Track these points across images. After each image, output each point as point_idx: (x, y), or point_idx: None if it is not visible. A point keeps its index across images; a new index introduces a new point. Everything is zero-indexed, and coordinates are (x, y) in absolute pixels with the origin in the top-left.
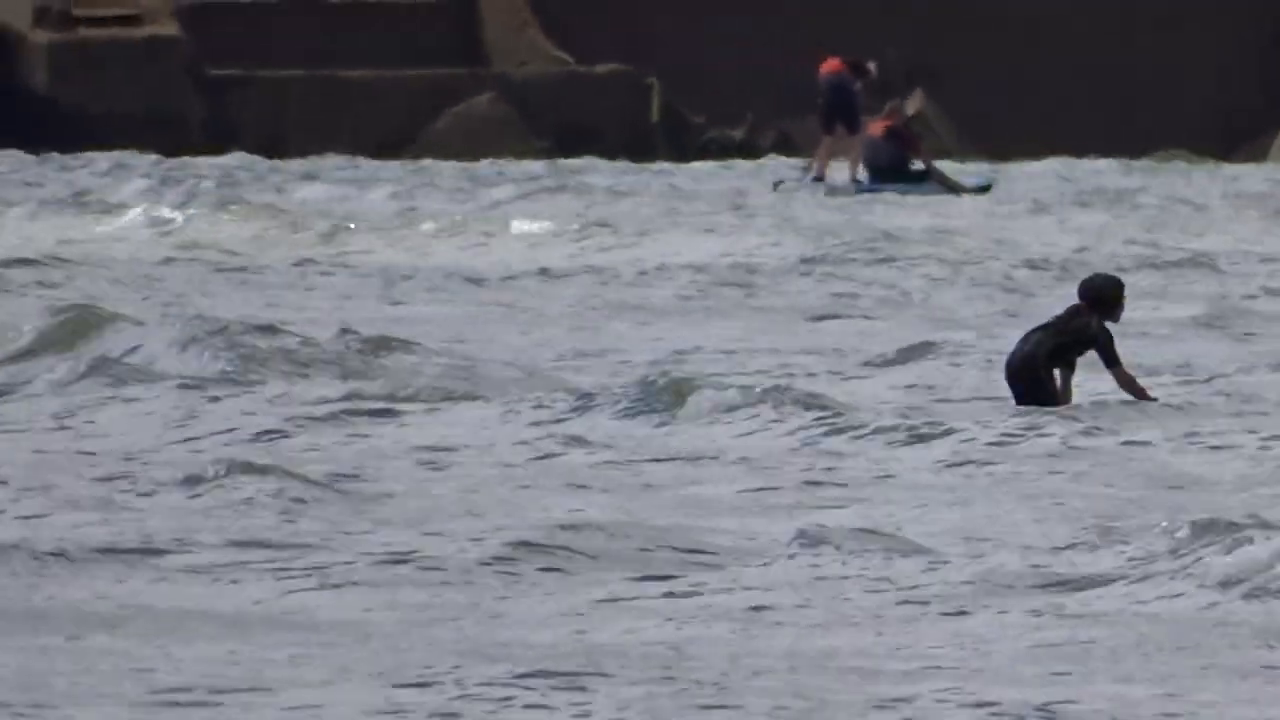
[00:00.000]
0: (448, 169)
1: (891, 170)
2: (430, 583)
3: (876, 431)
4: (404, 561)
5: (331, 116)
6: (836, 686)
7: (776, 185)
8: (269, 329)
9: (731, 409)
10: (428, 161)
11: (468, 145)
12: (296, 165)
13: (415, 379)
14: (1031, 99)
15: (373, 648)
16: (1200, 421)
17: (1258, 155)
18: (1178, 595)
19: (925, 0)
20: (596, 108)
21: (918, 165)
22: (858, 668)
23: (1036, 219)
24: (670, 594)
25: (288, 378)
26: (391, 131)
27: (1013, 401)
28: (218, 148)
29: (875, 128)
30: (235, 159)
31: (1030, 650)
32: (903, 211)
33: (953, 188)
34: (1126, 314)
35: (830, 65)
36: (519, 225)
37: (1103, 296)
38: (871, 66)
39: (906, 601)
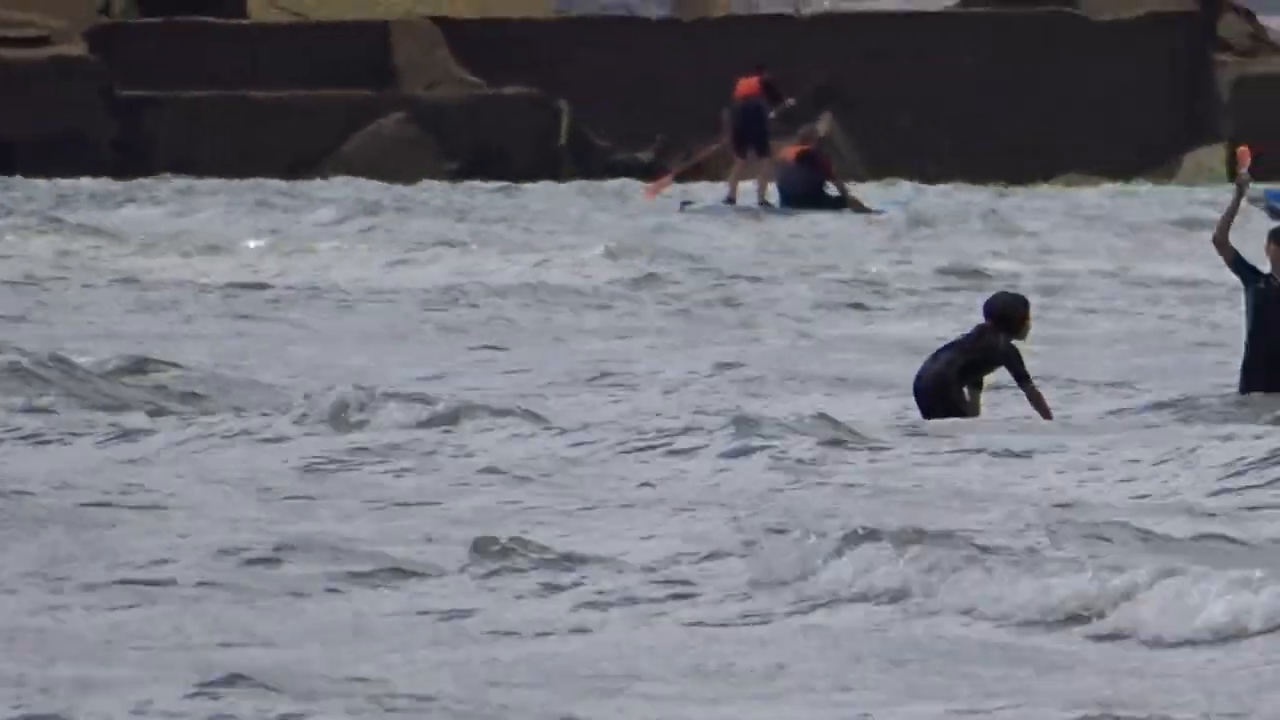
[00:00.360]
0: (348, 186)
1: (805, 195)
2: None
3: (586, 444)
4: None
5: (243, 137)
6: (508, 699)
7: (684, 206)
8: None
9: (416, 424)
10: (339, 179)
11: (377, 166)
12: (204, 185)
13: (154, 396)
14: (939, 124)
15: None
16: (943, 439)
17: (1165, 177)
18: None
19: (833, 25)
20: (505, 130)
21: (832, 190)
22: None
23: (892, 240)
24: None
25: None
26: (302, 152)
27: (919, 415)
28: (129, 169)
29: (789, 152)
30: (78, 185)
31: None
32: (738, 232)
33: (866, 212)
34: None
35: (746, 87)
36: (333, 245)
37: (1009, 315)
38: (790, 101)
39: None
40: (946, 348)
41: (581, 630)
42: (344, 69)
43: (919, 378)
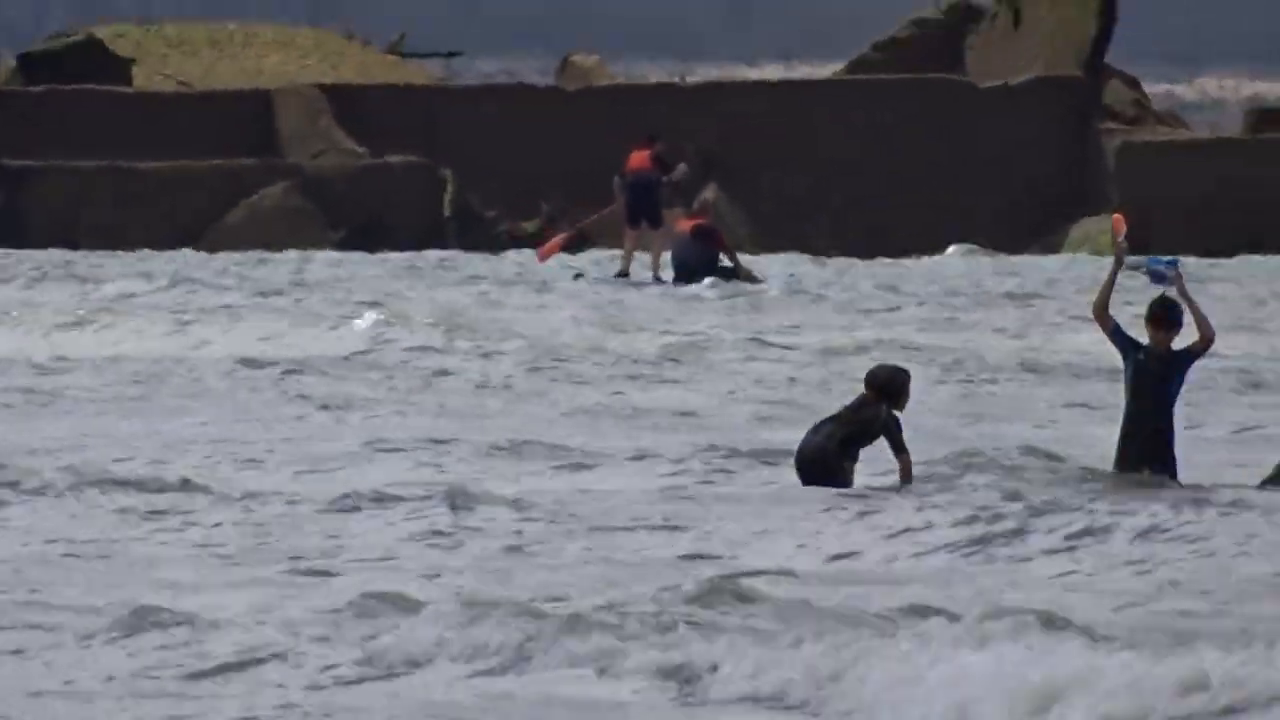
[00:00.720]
0: (211, 260)
1: (701, 268)
2: None
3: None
4: None
5: (127, 208)
6: None
7: (576, 277)
8: None
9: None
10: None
11: (262, 236)
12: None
13: None
14: (824, 192)
15: None
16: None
17: (1052, 248)
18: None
19: (717, 93)
20: (390, 200)
21: (724, 262)
22: None
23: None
24: None
25: None
26: (186, 223)
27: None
28: (9, 239)
29: (684, 225)
30: None
31: None
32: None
33: (755, 283)
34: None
35: (638, 160)
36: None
37: (890, 387)
38: (681, 168)
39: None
40: (827, 420)
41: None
42: (229, 138)
43: (800, 450)
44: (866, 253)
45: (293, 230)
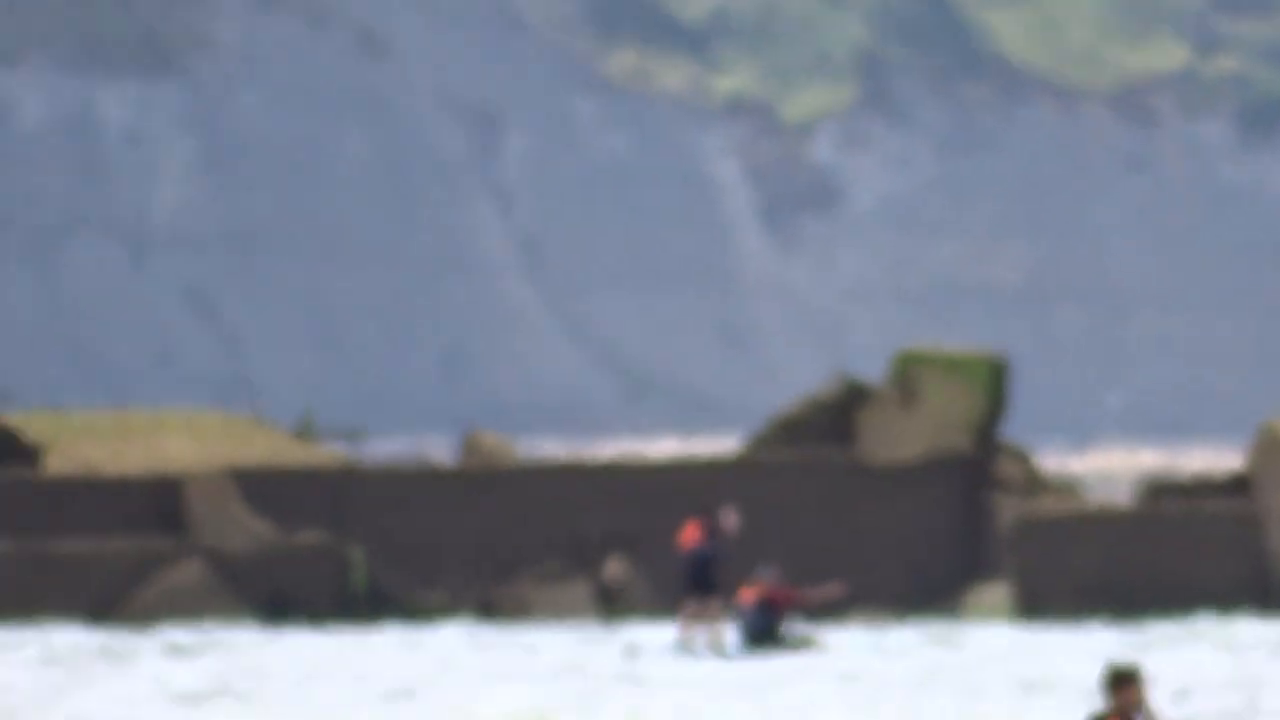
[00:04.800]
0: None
1: (764, 635)
2: None
3: None
4: None
5: (41, 586)
6: None
7: (628, 651)
8: None
9: None
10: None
11: (175, 613)
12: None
13: None
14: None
15: None
16: None
17: (949, 613)
18: None
19: (618, 473)
20: (300, 576)
21: (788, 628)
22: None
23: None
24: None
25: None
26: (101, 599)
27: None
28: None
29: (746, 595)
30: None
31: None
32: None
33: (809, 645)
34: None
35: (690, 535)
36: None
37: None
38: (732, 520)
39: None
40: None
41: None
42: (138, 520)
43: None
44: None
45: (205, 606)
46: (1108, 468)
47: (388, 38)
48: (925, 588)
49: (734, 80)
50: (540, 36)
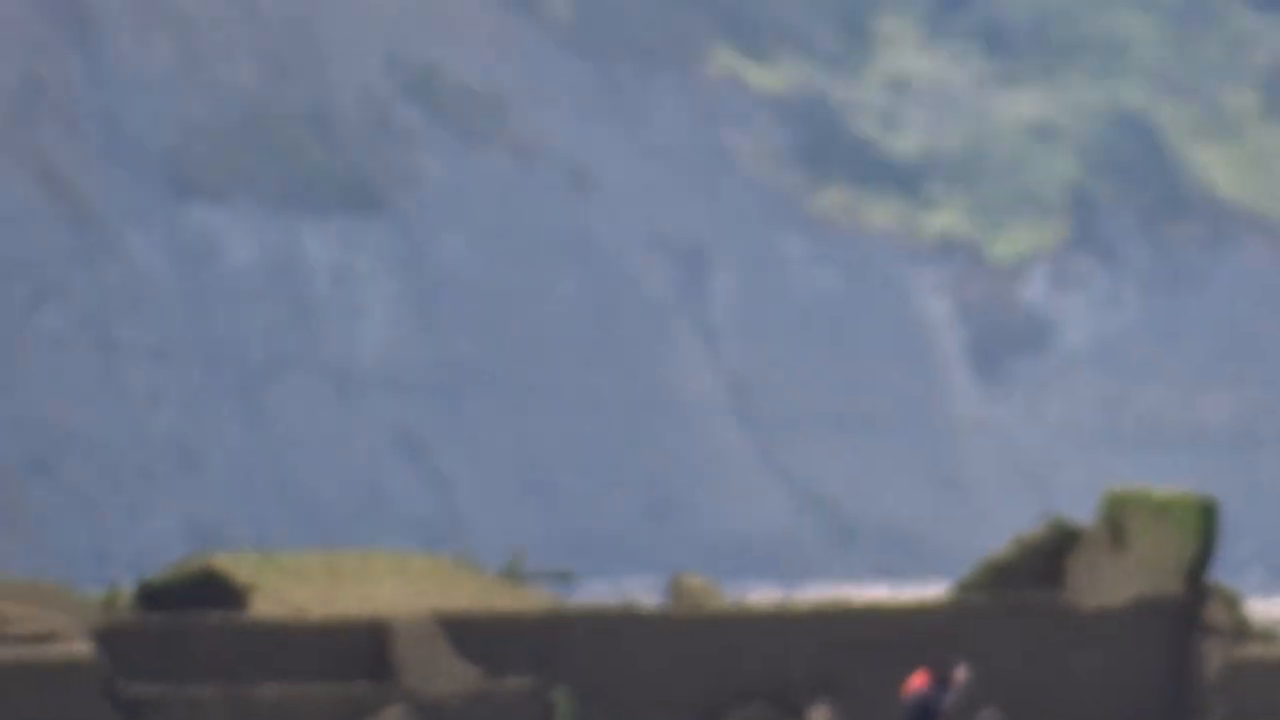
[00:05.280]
0: None
1: None
2: None
3: None
4: None
5: None
6: None
7: None
8: None
9: None
10: None
11: None
12: None
13: None
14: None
15: None
16: None
17: None
18: None
19: (824, 617)
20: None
21: None
22: None
23: None
24: None
25: None
26: None
27: None
28: None
29: None
30: None
31: None
32: None
33: None
34: None
35: (918, 681)
36: None
37: None
38: (961, 673)
39: None
40: None
41: None
42: (344, 665)
43: None
44: None
45: None
46: None
47: (595, 175)
48: None
49: (944, 218)
50: (749, 174)
